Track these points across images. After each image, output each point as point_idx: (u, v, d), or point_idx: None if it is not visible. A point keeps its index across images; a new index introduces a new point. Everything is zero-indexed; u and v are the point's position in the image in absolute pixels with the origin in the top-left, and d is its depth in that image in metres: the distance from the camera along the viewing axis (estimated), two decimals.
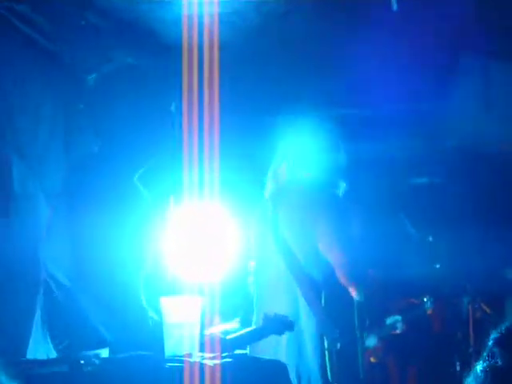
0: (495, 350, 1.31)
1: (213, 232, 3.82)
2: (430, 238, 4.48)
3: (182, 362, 2.28)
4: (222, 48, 3.73)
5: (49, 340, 2.54)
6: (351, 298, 3.53)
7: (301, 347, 3.46)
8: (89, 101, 3.64)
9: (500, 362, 1.29)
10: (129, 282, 2.49)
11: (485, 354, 1.33)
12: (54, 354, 2.63)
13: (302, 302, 3.51)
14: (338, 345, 3.47)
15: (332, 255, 3.51)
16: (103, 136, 2.69)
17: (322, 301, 3.50)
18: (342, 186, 3.68)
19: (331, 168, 3.66)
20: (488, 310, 4.63)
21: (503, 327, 1.36)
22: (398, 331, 4.99)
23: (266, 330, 3.07)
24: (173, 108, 2.69)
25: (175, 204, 3.57)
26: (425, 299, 5.07)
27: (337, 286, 3.51)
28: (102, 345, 2.33)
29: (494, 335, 1.36)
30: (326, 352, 3.46)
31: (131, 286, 2.49)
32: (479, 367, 1.32)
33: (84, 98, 3.92)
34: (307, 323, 3.51)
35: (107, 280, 2.28)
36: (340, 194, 3.66)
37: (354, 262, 3.50)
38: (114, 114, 2.71)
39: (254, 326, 3.22)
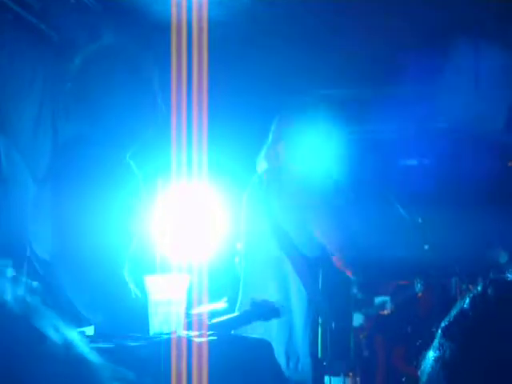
0: (442, 340, 1.24)
1: (201, 212, 3.82)
2: (420, 220, 4.49)
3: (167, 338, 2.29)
4: (211, 27, 3.73)
5: None
6: (347, 277, 3.53)
7: (291, 327, 3.47)
8: (76, 81, 3.63)
9: (447, 354, 1.22)
10: (114, 261, 2.49)
11: (434, 343, 1.25)
12: None
13: (292, 281, 3.51)
14: (333, 324, 3.47)
15: (327, 239, 3.50)
16: (90, 117, 2.67)
17: (319, 279, 3.50)
18: (336, 169, 3.67)
19: (326, 150, 3.64)
20: None
21: (451, 314, 1.28)
22: (385, 312, 5.02)
23: (252, 315, 3.08)
24: (155, 86, 2.67)
25: (164, 184, 3.57)
26: (415, 282, 5.10)
27: (333, 265, 3.51)
28: (84, 324, 2.34)
29: (442, 323, 1.27)
30: (320, 330, 3.46)
31: (116, 265, 2.50)
32: (430, 357, 1.26)
33: (71, 78, 3.91)
34: (298, 302, 3.51)
35: (91, 258, 2.28)
36: (334, 177, 3.65)
37: (350, 245, 3.50)
38: (101, 94, 2.69)
39: (239, 312, 3.21)
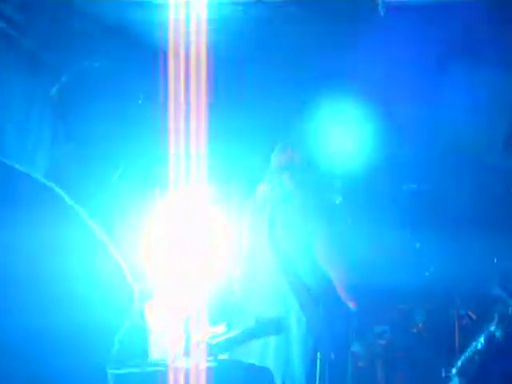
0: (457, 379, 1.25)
1: (201, 235, 3.78)
2: (418, 245, 4.48)
3: (165, 366, 2.26)
4: (208, 50, 3.74)
5: None
6: (347, 308, 3.49)
7: (289, 355, 3.43)
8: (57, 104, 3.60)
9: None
10: None
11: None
12: None
13: (293, 309, 3.47)
14: (333, 355, 3.43)
15: (332, 268, 3.46)
16: (76, 137, 2.65)
17: (320, 309, 3.46)
18: (339, 196, 3.65)
19: (330, 176, 3.62)
20: (474, 317, 4.63)
21: (465, 354, 1.28)
22: (384, 342, 4.99)
23: (257, 331, 3.05)
24: (141, 101, 2.65)
25: (162, 200, 3.54)
26: (415, 309, 5.09)
27: (335, 295, 3.47)
28: None
29: (458, 362, 1.28)
30: (318, 361, 3.42)
31: None
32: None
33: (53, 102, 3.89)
34: (297, 331, 3.47)
35: None
36: (338, 204, 3.62)
37: (354, 274, 3.46)
38: (86, 113, 2.67)
39: (242, 328, 3.17)
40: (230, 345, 2.89)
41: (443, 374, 4.42)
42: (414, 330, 5.15)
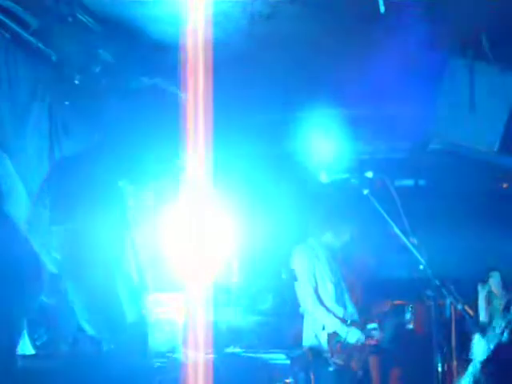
0: (480, 375, 1.24)
1: (207, 228, 3.79)
2: (415, 240, 4.49)
3: (166, 357, 2.29)
4: (210, 46, 3.75)
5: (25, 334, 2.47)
6: None
7: None
8: (76, 99, 3.63)
9: None
10: (110, 278, 2.48)
11: (469, 376, 1.24)
12: (30, 349, 2.56)
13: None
14: None
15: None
16: (90, 136, 2.68)
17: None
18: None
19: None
20: (471, 312, 4.65)
21: (490, 349, 1.27)
22: (374, 339, 5.00)
23: None
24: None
25: (169, 201, 3.55)
26: (408, 309, 5.11)
27: None
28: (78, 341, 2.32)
29: (480, 357, 1.26)
30: None
31: (112, 282, 2.49)
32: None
33: (70, 96, 3.91)
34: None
35: (89, 276, 2.25)
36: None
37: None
38: (102, 112, 2.69)
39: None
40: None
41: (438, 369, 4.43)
42: (409, 326, 5.17)
